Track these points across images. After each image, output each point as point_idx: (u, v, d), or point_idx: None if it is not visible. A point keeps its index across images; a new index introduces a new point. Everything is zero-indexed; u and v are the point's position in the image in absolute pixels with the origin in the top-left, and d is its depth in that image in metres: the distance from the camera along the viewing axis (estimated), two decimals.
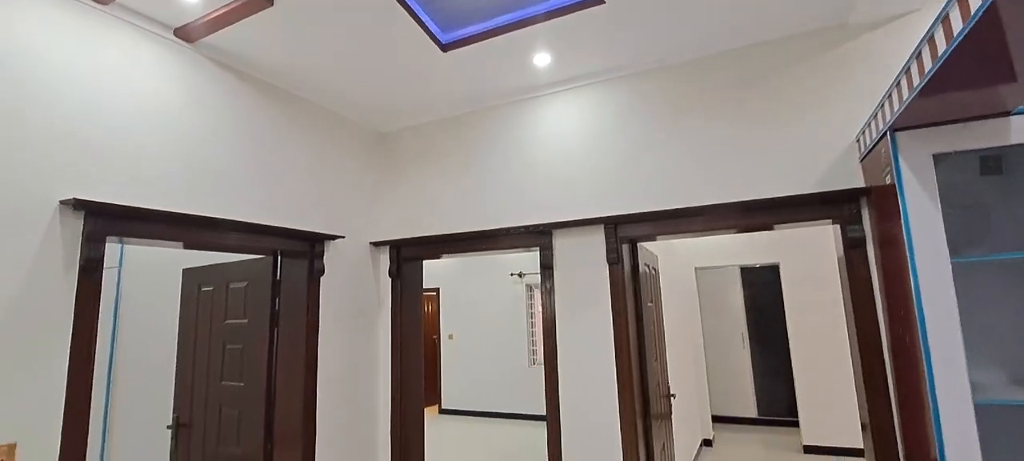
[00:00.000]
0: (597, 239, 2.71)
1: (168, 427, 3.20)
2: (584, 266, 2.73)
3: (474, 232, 3.00)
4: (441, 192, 3.20)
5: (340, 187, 3.10)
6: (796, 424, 6.04)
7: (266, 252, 2.82)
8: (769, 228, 2.54)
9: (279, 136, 2.75)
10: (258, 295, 2.93)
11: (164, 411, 3.31)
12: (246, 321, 2.96)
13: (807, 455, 5.47)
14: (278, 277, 2.91)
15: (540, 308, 7.95)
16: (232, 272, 3.09)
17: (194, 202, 2.31)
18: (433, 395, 8.34)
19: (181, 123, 2.30)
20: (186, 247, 2.44)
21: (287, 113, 2.80)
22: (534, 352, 7.80)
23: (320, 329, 2.85)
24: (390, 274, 3.27)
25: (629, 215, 2.62)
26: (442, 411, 8.16)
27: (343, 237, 2.99)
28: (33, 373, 1.75)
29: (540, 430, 6.88)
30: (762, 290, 7.08)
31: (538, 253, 2.86)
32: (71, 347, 1.84)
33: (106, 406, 3.78)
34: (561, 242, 2.80)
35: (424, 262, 3.60)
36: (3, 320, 1.70)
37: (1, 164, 1.73)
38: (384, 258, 3.32)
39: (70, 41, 1.95)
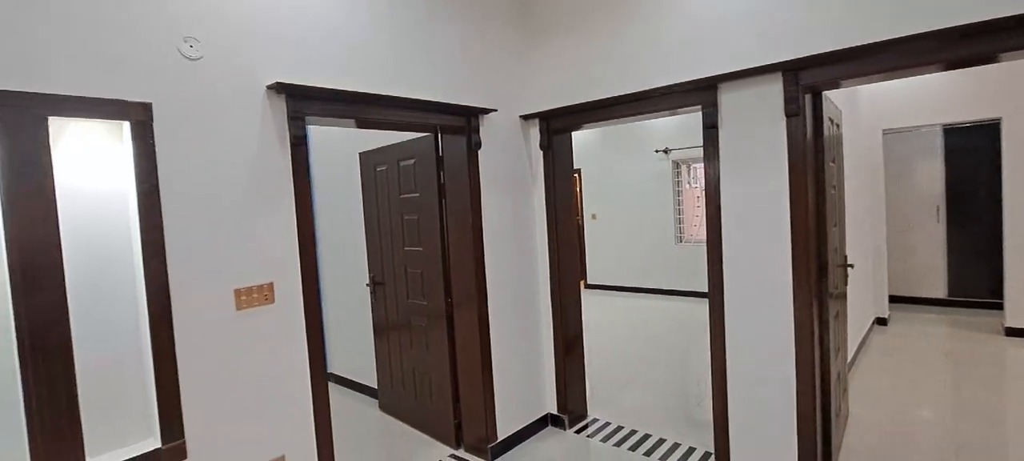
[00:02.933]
0: (772, 89, 2.42)
1: (367, 285, 3.80)
2: (756, 122, 2.48)
3: (628, 95, 2.85)
4: (589, 56, 3.06)
5: (488, 60, 3.12)
6: (997, 306, 5.20)
7: (428, 129, 3.01)
8: (992, 60, 2.02)
9: (428, 9, 2.80)
10: (425, 171, 3.20)
11: (362, 273, 3.91)
12: (418, 194, 3.28)
13: (1010, 337, 4.74)
14: (440, 153, 3.12)
15: (687, 185, 7.59)
16: (401, 151, 3.38)
17: (360, 82, 2.47)
18: (579, 271, 8.69)
19: (341, 5, 2.44)
20: (358, 126, 2.69)
21: None
22: (681, 229, 7.59)
23: (482, 201, 3.04)
24: (541, 147, 3.32)
25: (811, 57, 2.27)
26: (588, 286, 8.51)
27: (496, 110, 3.06)
28: (274, 228, 2.15)
29: (687, 305, 6.87)
30: (967, 156, 5.89)
31: (700, 113, 2.65)
32: (295, 206, 2.21)
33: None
34: (728, 97, 2.55)
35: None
36: (248, 186, 2.08)
37: (224, 53, 2.02)
38: (535, 131, 3.35)
39: None
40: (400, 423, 3.66)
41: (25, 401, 1.64)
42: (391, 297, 3.62)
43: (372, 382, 4.03)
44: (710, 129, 2.61)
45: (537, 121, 3.32)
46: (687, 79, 2.63)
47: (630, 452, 3.09)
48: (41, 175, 1.65)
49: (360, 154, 3.79)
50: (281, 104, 2.19)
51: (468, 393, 3.15)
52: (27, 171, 1.62)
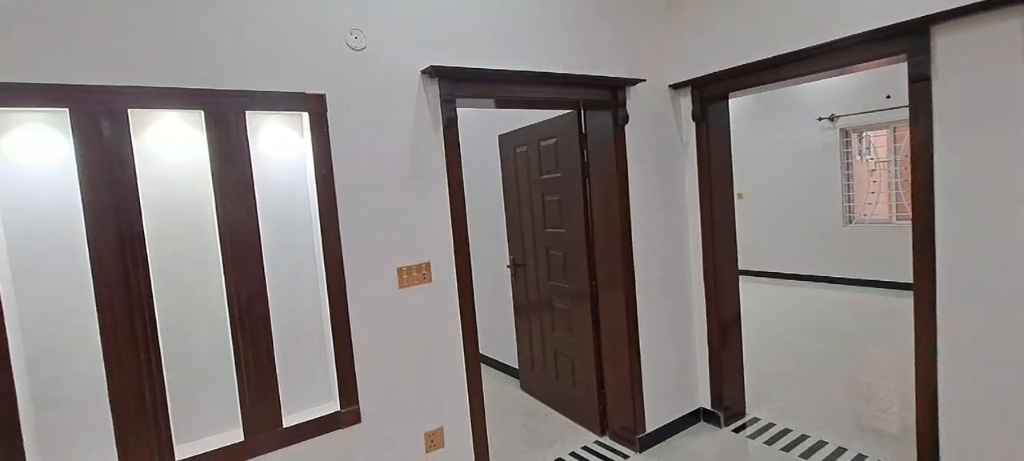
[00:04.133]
0: (1013, 25, 1.89)
1: (507, 266, 3.85)
2: (989, 68, 1.97)
3: (800, 51, 2.46)
4: (749, 8, 2.69)
5: (634, 27, 2.90)
6: None
7: (570, 105, 2.91)
8: None
9: None
10: (567, 149, 3.11)
11: (501, 254, 3.97)
12: (559, 174, 3.21)
13: None
14: (584, 130, 3.00)
15: (858, 157, 6.56)
16: (541, 131, 3.33)
17: (504, 60, 2.42)
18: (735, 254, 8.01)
19: None
20: (503, 105, 2.66)
21: None
22: (850, 208, 6.60)
23: (629, 178, 2.86)
24: (693, 117, 3.03)
25: None
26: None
27: (644, 80, 2.85)
28: (429, 210, 2.22)
29: (858, 294, 5.98)
30: None
31: (905, 63, 2.19)
32: (448, 188, 2.26)
33: None
34: (947, 40, 2.06)
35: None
36: (407, 169, 2.16)
37: (383, 41, 2.11)
38: (686, 101, 3.07)
39: None
40: (542, 404, 3.67)
41: (236, 363, 1.88)
42: (531, 278, 3.62)
43: (512, 362, 4.10)
44: (919, 82, 2.13)
45: (689, 89, 3.03)
46: (885, 23, 2.18)
47: (802, 460, 2.74)
48: (242, 164, 1.85)
49: (500, 137, 3.82)
50: (434, 88, 2.24)
51: (614, 380, 3.03)
52: (231, 160, 1.83)
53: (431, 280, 2.22)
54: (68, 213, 1.65)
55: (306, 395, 2.08)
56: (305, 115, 1.97)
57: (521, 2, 2.49)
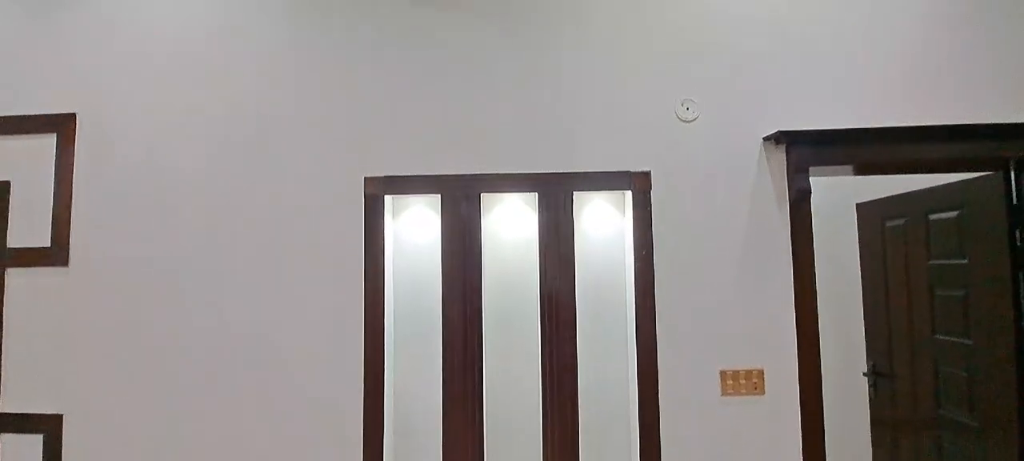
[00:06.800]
0: None
1: (864, 374, 2.94)
2: None
3: None
4: None
5: None
6: None
7: (987, 165, 2.03)
8: None
9: None
10: (981, 225, 2.17)
11: (851, 353, 3.08)
12: (965, 261, 2.27)
13: None
14: (1016, 199, 2.05)
15: None
16: (931, 200, 2.45)
17: (873, 115, 1.86)
18: None
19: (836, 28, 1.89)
20: (859, 172, 2.04)
21: None
22: None
23: None
24: None
25: None
26: None
27: None
28: (765, 304, 1.82)
29: None
30: None
31: None
32: (794, 277, 1.81)
33: None
34: None
35: None
36: (738, 253, 1.83)
37: (718, 110, 1.87)
38: None
39: None
40: None
41: (543, 435, 1.87)
42: (904, 396, 2.64)
43: None
44: None
45: None
46: None
47: None
48: (566, 241, 1.88)
49: (858, 205, 3.01)
50: (780, 156, 1.86)
51: None
52: (557, 238, 1.88)
53: (764, 392, 1.79)
54: (432, 281, 1.97)
55: None
56: (628, 193, 1.89)
57: (894, 41, 1.88)
